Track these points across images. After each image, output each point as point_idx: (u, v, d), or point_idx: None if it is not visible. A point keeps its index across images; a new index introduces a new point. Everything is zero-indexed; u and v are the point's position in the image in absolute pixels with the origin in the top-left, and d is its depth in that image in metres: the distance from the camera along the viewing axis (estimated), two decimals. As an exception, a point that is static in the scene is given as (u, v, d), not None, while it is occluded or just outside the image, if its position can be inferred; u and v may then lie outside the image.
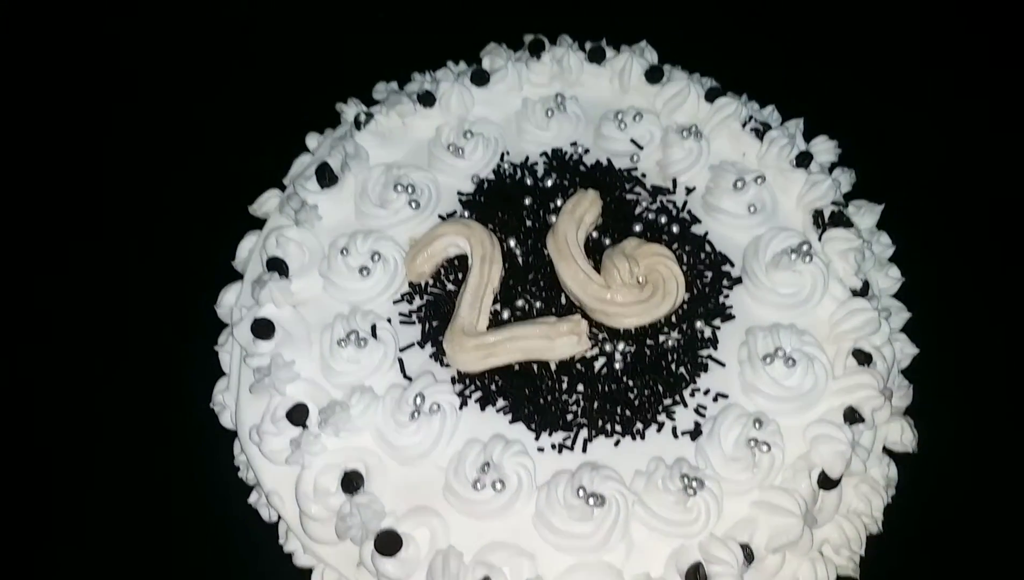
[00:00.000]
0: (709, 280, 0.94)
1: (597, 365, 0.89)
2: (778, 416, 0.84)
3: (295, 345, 0.89)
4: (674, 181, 1.00)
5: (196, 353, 0.99)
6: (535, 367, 0.88)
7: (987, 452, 0.99)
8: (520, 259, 0.95)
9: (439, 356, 0.89)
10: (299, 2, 1.42)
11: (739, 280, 0.94)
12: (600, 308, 0.89)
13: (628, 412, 0.86)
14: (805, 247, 0.91)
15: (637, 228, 0.96)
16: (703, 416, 0.86)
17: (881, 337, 0.90)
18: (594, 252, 0.94)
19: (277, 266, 0.92)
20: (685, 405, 0.87)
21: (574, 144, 1.04)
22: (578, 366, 0.88)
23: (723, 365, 0.89)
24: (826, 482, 0.82)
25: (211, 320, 0.99)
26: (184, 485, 0.97)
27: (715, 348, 0.90)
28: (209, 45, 1.36)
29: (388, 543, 0.77)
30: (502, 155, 1.02)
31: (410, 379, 0.87)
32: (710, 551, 0.77)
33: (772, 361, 0.85)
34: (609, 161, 1.02)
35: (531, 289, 0.93)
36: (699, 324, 0.90)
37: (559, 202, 0.97)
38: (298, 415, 0.84)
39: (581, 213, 0.93)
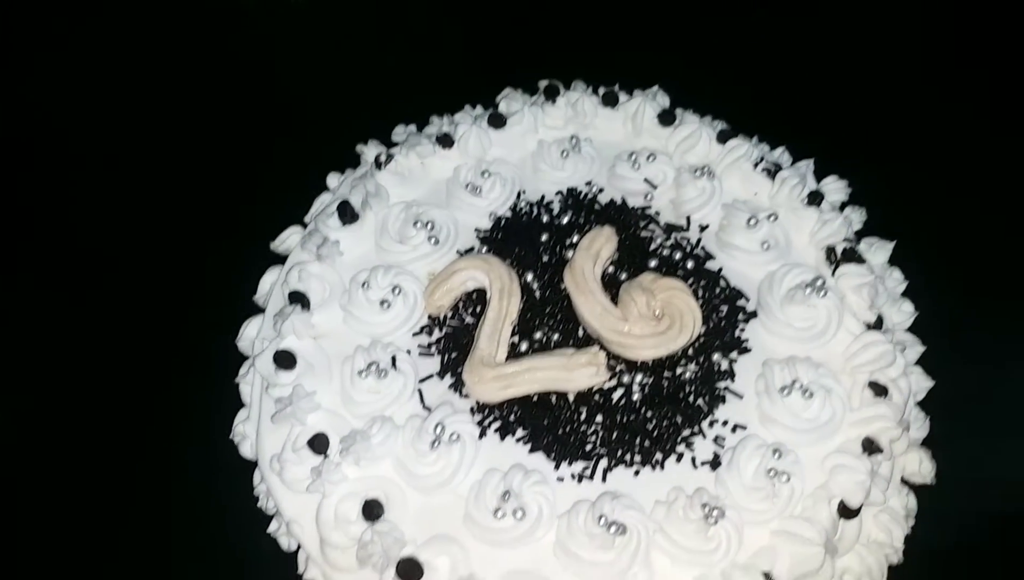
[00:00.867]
0: (725, 314, 0.95)
1: (615, 396, 0.89)
2: (797, 447, 0.84)
3: (316, 376, 0.90)
4: (688, 219, 1.02)
5: (216, 386, 0.99)
6: (553, 398, 0.89)
7: (1006, 481, 0.99)
8: (537, 293, 0.96)
9: (458, 387, 0.90)
10: (322, 47, 1.46)
11: (754, 314, 0.95)
12: (618, 340, 0.90)
13: (647, 442, 0.87)
14: (819, 282, 0.92)
15: (652, 263, 0.97)
16: (722, 447, 0.86)
17: (896, 369, 0.90)
18: (610, 286, 0.95)
19: (299, 299, 0.94)
20: (704, 436, 0.87)
21: (589, 183, 1.06)
22: (596, 397, 0.89)
23: (740, 397, 0.90)
24: (846, 512, 0.82)
25: (231, 354, 1.00)
26: (203, 514, 0.98)
27: (732, 380, 0.91)
28: (230, 83, 1.40)
29: (409, 570, 0.77)
30: (519, 193, 1.05)
31: (429, 409, 0.88)
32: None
33: (790, 393, 0.86)
34: (623, 199, 1.04)
35: (549, 322, 0.94)
36: (716, 356, 0.91)
37: (575, 238, 0.99)
38: (319, 444, 0.85)
39: (597, 248, 0.95)
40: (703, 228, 1.02)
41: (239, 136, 1.33)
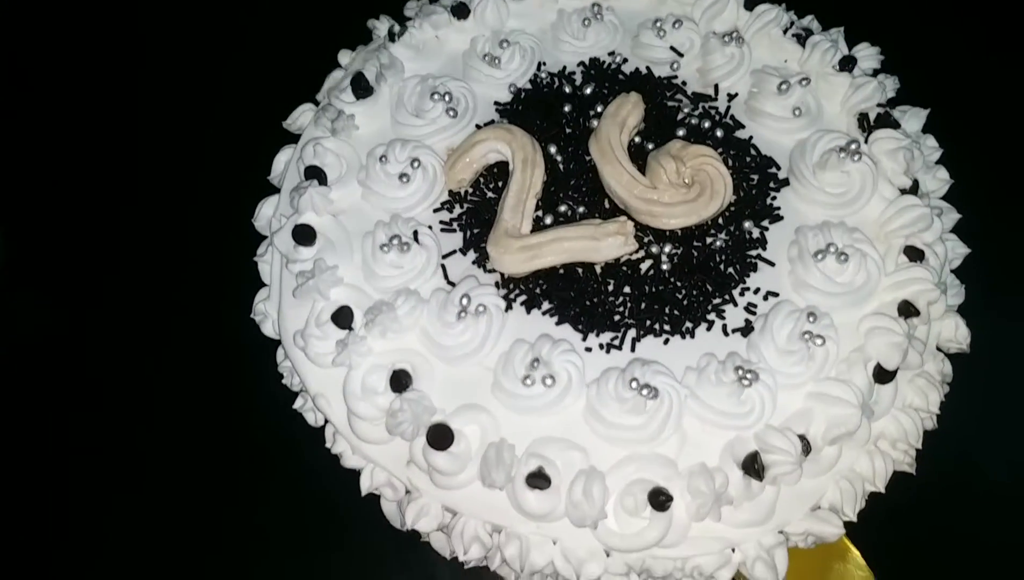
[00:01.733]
0: (755, 182, 0.92)
1: (643, 267, 0.87)
2: (831, 311, 0.82)
3: (336, 252, 0.87)
4: (716, 87, 0.98)
5: (234, 267, 0.97)
6: (580, 271, 0.87)
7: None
8: (561, 166, 0.93)
9: (482, 262, 0.88)
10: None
11: (786, 182, 0.92)
12: (646, 209, 0.87)
13: (676, 312, 0.85)
14: (853, 146, 0.89)
15: (680, 133, 0.94)
16: (754, 314, 0.84)
17: (933, 234, 0.88)
18: (637, 158, 0.92)
19: (315, 174, 0.91)
20: (735, 304, 0.85)
21: (612, 53, 1.02)
22: (624, 268, 0.87)
23: (772, 264, 0.87)
24: (882, 374, 0.80)
25: (249, 234, 0.98)
26: (229, 394, 0.97)
27: (764, 248, 0.88)
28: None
29: (440, 436, 0.76)
30: (539, 65, 1.01)
31: (453, 284, 0.86)
32: (767, 441, 0.76)
33: (824, 257, 0.84)
34: (649, 69, 1.00)
35: (574, 195, 0.91)
36: (747, 225, 0.89)
37: (599, 109, 0.95)
38: (343, 318, 0.83)
39: (624, 116, 0.91)
40: (731, 97, 0.98)
41: (250, 17, 1.28)
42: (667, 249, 0.87)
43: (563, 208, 0.90)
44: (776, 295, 0.85)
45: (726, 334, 0.84)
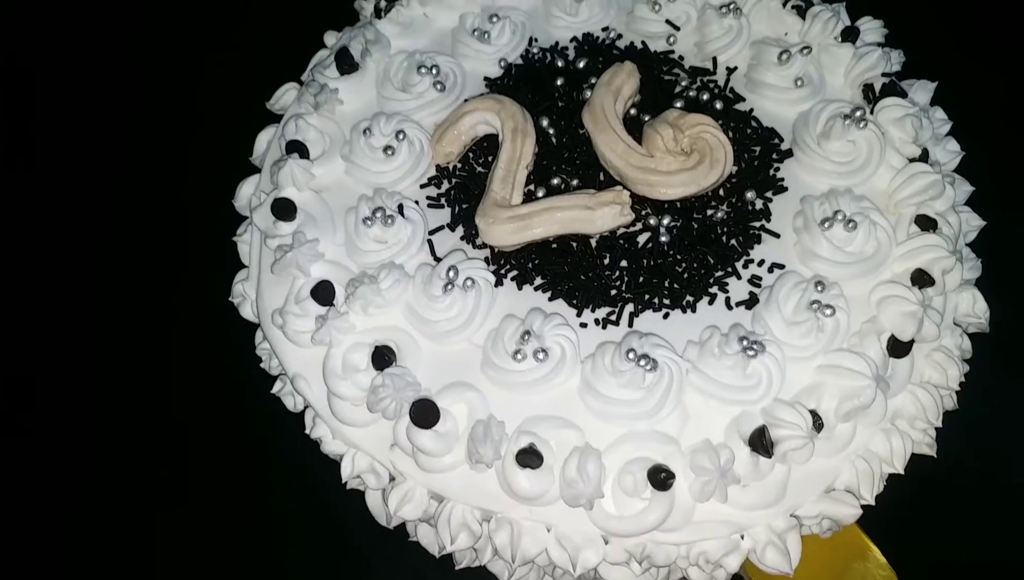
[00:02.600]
0: (757, 154, 0.88)
1: (641, 240, 0.82)
2: (841, 281, 0.78)
3: (318, 228, 0.83)
4: (714, 60, 0.95)
5: (214, 251, 0.93)
6: (574, 244, 0.82)
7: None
8: (554, 139, 0.89)
9: (471, 238, 0.83)
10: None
11: (789, 153, 0.88)
12: (643, 178, 0.82)
13: (677, 285, 0.80)
14: (859, 113, 0.85)
15: (678, 105, 0.90)
16: (759, 286, 0.80)
17: (945, 202, 0.83)
18: (633, 130, 0.88)
19: (296, 148, 0.87)
20: (738, 277, 0.81)
21: (606, 29, 0.98)
22: (620, 241, 0.82)
23: (777, 236, 0.83)
24: (897, 347, 0.75)
25: (230, 217, 0.93)
26: (207, 378, 0.92)
27: (767, 220, 0.84)
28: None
29: (425, 413, 0.71)
30: (531, 40, 0.97)
31: (440, 261, 0.81)
32: (775, 415, 0.71)
33: (831, 225, 0.79)
34: (644, 44, 0.97)
35: (567, 168, 0.87)
36: (750, 195, 0.84)
37: (593, 81, 0.91)
38: (324, 294, 0.78)
39: (619, 84, 0.87)
40: (731, 70, 0.94)
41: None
42: (666, 221, 0.83)
43: (556, 181, 0.86)
44: (782, 267, 0.81)
45: (729, 307, 0.79)
